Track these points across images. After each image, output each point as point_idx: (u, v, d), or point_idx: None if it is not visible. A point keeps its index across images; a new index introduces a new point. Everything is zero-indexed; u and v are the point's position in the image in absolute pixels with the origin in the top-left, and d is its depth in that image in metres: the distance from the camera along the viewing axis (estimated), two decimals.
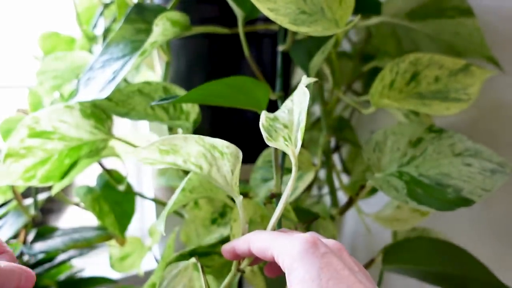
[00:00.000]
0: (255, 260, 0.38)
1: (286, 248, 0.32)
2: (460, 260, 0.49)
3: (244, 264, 0.37)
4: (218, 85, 0.42)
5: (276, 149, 0.46)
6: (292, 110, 0.38)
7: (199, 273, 0.37)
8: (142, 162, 0.35)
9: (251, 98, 0.45)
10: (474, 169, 0.45)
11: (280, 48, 0.57)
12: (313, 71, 0.53)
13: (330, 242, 0.33)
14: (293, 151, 0.36)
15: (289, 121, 0.37)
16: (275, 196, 0.43)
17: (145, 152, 0.34)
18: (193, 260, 0.39)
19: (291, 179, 0.35)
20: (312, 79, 0.39)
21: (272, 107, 0.49)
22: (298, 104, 0.37)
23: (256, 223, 0.45)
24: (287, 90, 0.68)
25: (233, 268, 0.38)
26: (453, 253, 0.49)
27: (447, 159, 0.46)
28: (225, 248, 0.37)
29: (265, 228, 0.37)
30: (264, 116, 0.37)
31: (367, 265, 0.53)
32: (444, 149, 0.47)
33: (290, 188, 0.35)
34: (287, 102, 0.40)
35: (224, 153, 0.36)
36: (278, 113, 0.39)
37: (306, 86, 0.38)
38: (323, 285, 0.29)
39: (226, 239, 0.46)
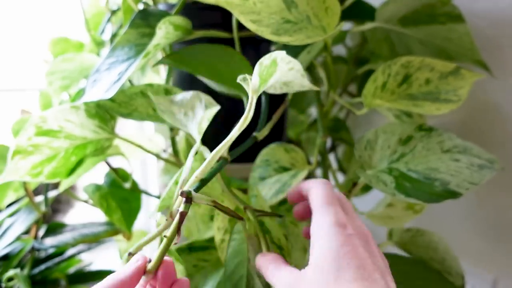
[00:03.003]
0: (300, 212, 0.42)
1: (318, 216, 0.35)
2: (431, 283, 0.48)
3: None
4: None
5: None
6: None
7: None
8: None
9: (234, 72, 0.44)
10: (462, 164, 0.45)
11: (273, 48, 0.56)
12: None
13: (361, 230, 0.36)
14: None
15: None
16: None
17: None
18: None
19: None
20: None
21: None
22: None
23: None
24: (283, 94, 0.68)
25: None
26: (424, 275, 0.49)
27: (436, 155, 0.46)
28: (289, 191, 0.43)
29: None
30: None
31: None
32: (433, 146, 0.46)
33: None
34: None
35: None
36: None
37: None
38: (341, 254, 0.32)
39: None
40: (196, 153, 0.39)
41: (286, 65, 0.38)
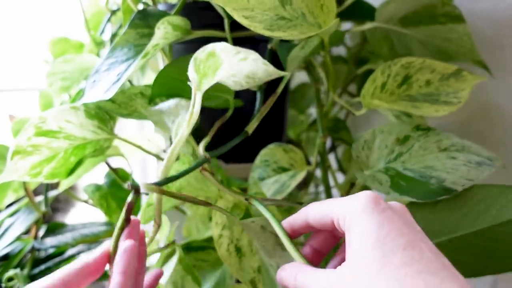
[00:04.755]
0: (313, 239, 0.35)
1: (348, 207, 0.30)
2: None
3: None
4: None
5: None
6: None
7: None
8: None
9: None
10: (459, 161, 0.44)
11: (269, 45, 0.57)
12: (290, 65, 0.52)
13: (393, 203, 0.31)
14: None
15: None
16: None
17: None
18: None
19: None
20: None
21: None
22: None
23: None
24: (286, 90, 0.68)
25: None
26: None
27: (433, 154, 0.45)
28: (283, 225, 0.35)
29: None
30: None
31: None
32: (430, 145, 0.46)
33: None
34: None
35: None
36: None
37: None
38: (381, 238, 0.27)
39: None
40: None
41: (234, 57, 0.36)
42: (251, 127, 0.46)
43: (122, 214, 0.35)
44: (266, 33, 0.41)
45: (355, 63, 0.73)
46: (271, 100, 0.48)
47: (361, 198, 0.29)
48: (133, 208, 0.35)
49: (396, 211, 0.30)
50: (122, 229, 0.34)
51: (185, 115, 0.42)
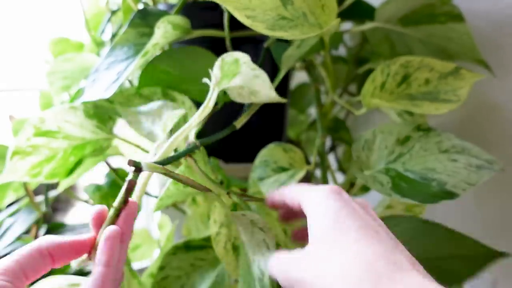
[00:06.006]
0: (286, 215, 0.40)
1: (313, 195, 0.32)
2: (446, 239, 0.47)
3: None
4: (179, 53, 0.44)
5: None
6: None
7: None
8: None
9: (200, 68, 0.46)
10: (459, 164, 0.44)
11: (265, 44, 0.57)
12: (285, 64, 0.52)
13: (356, 199, 0.34)
14: None
15: None
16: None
17: None
18: None
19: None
20: None
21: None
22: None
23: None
24: (286, 90, 0.68)
25: None
26: (437, 233, 0.47)
27: (434, 156, 0.45)
28: (267, 199, 0.39)
29: None
30: None
31: None
32: (431, 146, 0.46)
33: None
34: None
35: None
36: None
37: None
38: (339, 219, 0.29)
39: None
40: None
41: (251, 71, 0.39)
42: (239, 122, 0.46)
43: (121, 194, 0.33)
44: (268, 33, 0.41)
45: (355, 63, 0.73)
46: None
47: (326, 188, 0.32)
48: (133, 188, 0.34)
49: (359, 203, 0.32)
50: (119, 210, 0.33)
51: (171, 114, 0.44)
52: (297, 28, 0.42)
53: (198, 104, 0.47)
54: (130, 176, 0.34)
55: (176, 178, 0.37)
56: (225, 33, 0.55)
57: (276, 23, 0.41)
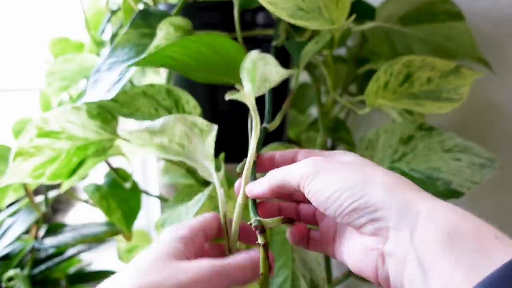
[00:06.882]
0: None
1: (297, 165, 0.33)
2: None
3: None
4: (195, 42, 0.41)
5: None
6: None
7: None
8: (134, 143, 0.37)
9: (227, 59, 0.44)
10: (463, 163, 0.45)
11: (274, 43, 0.56)
12: (303, 60, 0.52)
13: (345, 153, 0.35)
14: None
15: None
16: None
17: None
18: None
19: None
20: None
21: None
22: None
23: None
24: (287, 89, 0.68)
25: None
26: None
27: (437, 155, 0.46)
28: (246, 190, 0.36)
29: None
30: None
31: None
32: (434, 145, 0.47)
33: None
34: None
35: (203, 130, 0.38)
36: None
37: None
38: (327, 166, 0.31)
39: None
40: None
41: (262, 62, 0.39)
42: (273, 125, 0.46)
43: (261, 260, 0.32)
44: (290, 20, 0.43)
45: (355, 63, 0.73)
46: (289, 98, 0.50)
47: (310, 160, 0.32)
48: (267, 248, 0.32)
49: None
50: (266, 277, 0.31)
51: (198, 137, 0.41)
52: (314, 20, 0.43)
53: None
54: (260, 241, 0.32)
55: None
56: (237, 33, 0.55)
57: (295, 13, 0.43)
